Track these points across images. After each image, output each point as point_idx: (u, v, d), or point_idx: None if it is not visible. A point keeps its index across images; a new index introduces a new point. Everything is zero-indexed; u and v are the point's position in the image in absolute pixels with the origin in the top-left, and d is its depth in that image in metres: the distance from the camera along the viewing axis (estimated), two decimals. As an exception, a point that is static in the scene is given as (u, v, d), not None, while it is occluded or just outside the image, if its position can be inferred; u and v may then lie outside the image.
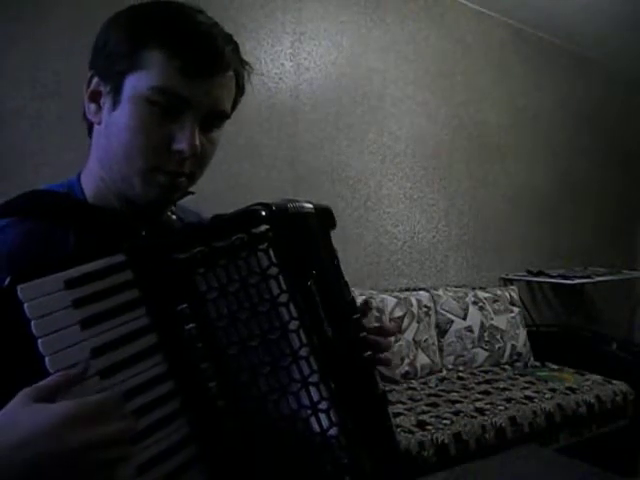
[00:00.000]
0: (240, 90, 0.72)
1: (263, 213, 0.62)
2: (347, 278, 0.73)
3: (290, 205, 0.67)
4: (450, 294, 3.04)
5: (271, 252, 0.60)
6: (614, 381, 2.79)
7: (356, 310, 0.73)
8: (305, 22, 2.72)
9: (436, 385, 2.66)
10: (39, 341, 0.50)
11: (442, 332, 2.93)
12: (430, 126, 3.21)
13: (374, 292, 2.74)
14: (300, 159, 2.72)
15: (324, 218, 0.73)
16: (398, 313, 2.72)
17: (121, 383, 0.53)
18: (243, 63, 0.71)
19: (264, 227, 0.61)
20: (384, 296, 2.73)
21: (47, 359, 0.50)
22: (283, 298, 0.60)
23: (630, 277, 3.99)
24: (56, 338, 0.51)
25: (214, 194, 2.18)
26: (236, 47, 0.69)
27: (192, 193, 0.73)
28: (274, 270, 0.60)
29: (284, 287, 0.61)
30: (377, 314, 2.64)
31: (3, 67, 1.94)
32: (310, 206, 0.70)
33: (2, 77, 1.94)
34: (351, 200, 2.90)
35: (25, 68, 1.97)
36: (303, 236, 0.67)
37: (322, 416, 0.60)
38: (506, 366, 3.02)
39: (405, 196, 3.12)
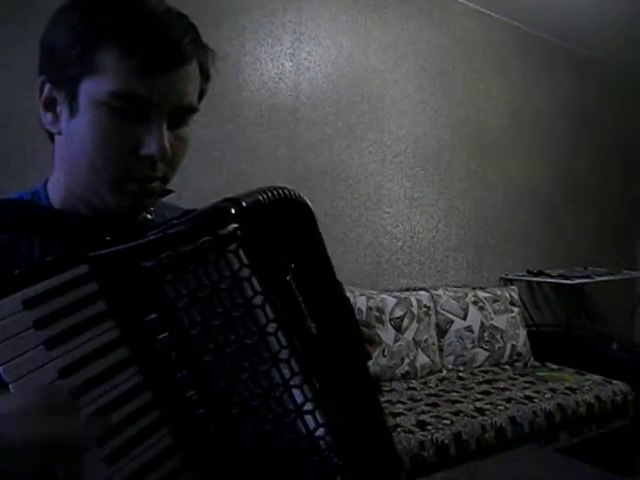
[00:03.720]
0: (205, 77, 0.67)
1: (232, 210, 0.58)
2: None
3: (262, 196, 0.61)
4: (450, 294, 3.04)
5: (241, 253, 0.57)
6: (614, 381, 2.79)
7: (347, 303, 0.71)
8: (305, 22, 2.72)
9: (436, 385, 2.66)
10: (0, 369, 0.47)
11: (442, 332, 2.93)
12: (430, 126, 3.21)
13: (374, 292, 2.74)
14: (300, 159, 2.72)
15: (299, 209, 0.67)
16: (398, 313, 2.72)
17: (95, 400, 0.51)
18: (205, 48, 0.65)
19: (232, 226, 0.57)
20: (384, 296, 2.73)
21: (11, 386, 0.47)
22: (257, 300, 0.57)
23: (630, 277, 3.99)
24: (19, 363, 0.48)
25: (214, 194, 2.17)
26: (196, 33, 0.63)
27: (172, 191, 0.69)
28: (246, 272, 0.57)
29: (258, 289, 0.57)
30: (377, 314, 2.64)
31: (9, 67, 1.94)
32: (289, 193, 0.65)
33: (8, 77, 1.94)
34: (351, 200, 2.90)
35: (26, 68, 1.97)
36: (278, 228, 0.63)
37: (308, 417, 0.59)
38: (506, 366, 3.02)
39: (405, 196, 3.12)
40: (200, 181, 2.34)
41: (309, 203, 0.66)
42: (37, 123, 0.65)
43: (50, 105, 0.62)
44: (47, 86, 0.62)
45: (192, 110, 0.64)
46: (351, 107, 2.89)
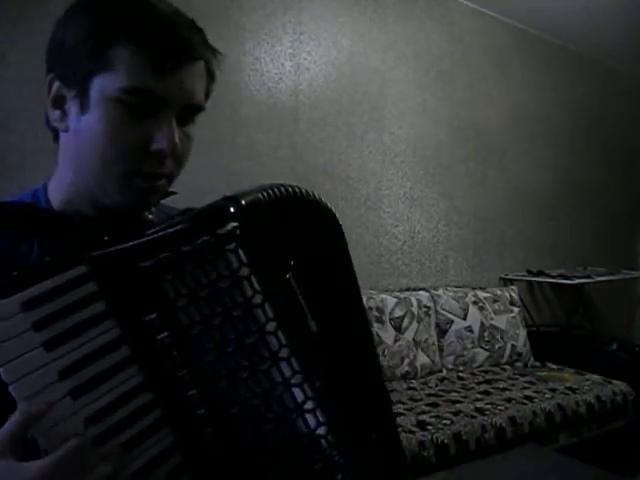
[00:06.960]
0: (211, 77, 0.68)
1: (231, 209, 0.58)
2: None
3: (262, 194, 0.61)
4: (450, 294, 3.04)
5: (240, 252, 0.56)
6: (614, 381, 2.79)
7: (359, 304, 0.72)
8: (305, 22, 2.72)
9: (436, 385, 2.66)
10: (0, 370, 0.48)
11: (442, 332, 2.93)
12: (430, 126, 3.21)
13: (374, 292, 2.74)
14: (300, 159, 2.72)
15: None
16: (398, 313, 2.72)
17: (95, 401, 0.51)
18: (212, 49, 0.66)
19: (231, 225, 0.57)
20: (384, 296, 2.73)
21: (11, 387, 0.48)
22: (257, 299, 0.57)
23: (630, 277, 4.00)
24: (18, 364, 0.49)
25: (213, 194, 2.18)
26: (202, 34, 0.64)
27: (174, 193, 0.70)
28: (245, 271, 0.57)
29: (257, 288, 0.57)
30: (377, 314, 2.64)
31: (3, 67, 1.94)
32: (292, 190, 0.65)
33: (2, 77, 1.94)
34: (351, 200, 2.90)
35: (25, 68, 1.97)
36: (277, 226, 0.63)
37: (309, 416, 0.59)
38: (506, 366, 3.02)
39: (405, 196, 3.12)
40: (200, 181, 2.33)
41: (317, 197, 0.67)
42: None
43: (58, 102, 0.62)
44: (56, 84, 0.62)
45: (199, 108, 0.65)
46: (351, 107, 2.89)
